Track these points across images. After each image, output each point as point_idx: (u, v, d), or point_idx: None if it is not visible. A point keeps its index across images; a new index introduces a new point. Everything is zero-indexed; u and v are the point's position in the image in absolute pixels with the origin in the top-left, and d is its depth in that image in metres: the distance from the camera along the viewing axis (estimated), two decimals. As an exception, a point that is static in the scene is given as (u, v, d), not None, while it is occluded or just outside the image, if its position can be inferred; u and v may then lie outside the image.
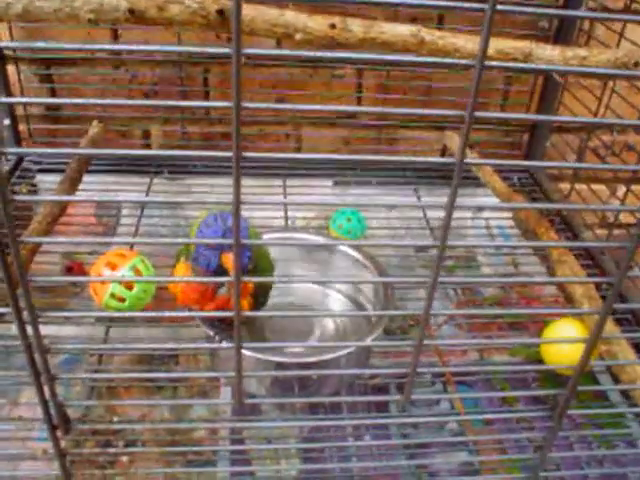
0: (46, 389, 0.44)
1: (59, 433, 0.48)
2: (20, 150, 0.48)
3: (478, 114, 0.33)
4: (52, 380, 0.43)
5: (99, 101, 0.32)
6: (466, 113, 0.33)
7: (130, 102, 0.32)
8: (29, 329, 0.40)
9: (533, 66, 0.35)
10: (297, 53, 0.33)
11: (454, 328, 0.98)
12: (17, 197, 0.35)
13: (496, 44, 0.76)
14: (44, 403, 0.45)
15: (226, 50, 0.30)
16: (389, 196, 1.20)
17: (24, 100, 0.41)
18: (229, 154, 0.33)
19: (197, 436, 0.77)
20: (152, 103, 0.32)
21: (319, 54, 0.31)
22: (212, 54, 0.30)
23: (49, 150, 0.33)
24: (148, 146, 1.27)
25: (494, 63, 0.31)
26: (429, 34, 0.77)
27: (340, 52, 0.30)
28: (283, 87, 1.23)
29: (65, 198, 0.68)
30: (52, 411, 0.46)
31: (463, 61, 0.32)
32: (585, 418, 0.84)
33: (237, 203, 0.34)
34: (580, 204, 1.10)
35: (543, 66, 0.34)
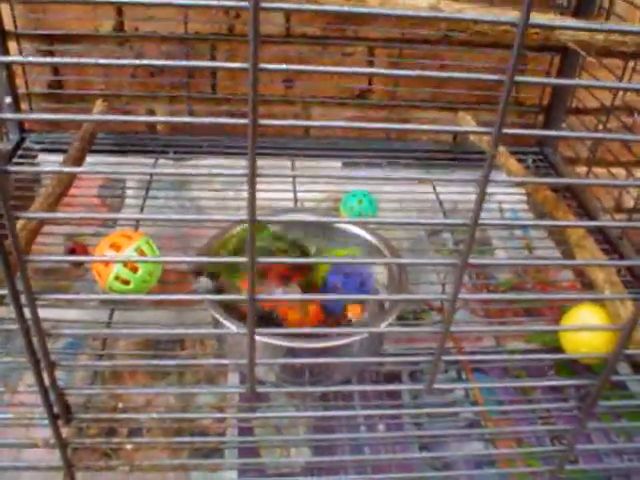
0: (46, 376, 0.42)
1: (60, 422, 0.46)
2: (19, 116, 0.45)
3: (519, 79, 0.30)
4: (52, 367, 0.40)
5: (103, 61, 0.29)
6: (506, 77, 0.30)
7: (138, 62, 0.29)
8: (27, 312, 0.38)
9: (583, 25, 0.31)
10: (321, 8, 0.29)
11: (468, 313, 0.95)
12: (12, 168, 0.33)
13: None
14: (44, 391, 0.42)
15: (244, 3, 0.27)
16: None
17: (20, 59, 0.39)
18: (245, 121, 0.30)
19: (204, 422, 0.75)
20: (162, 63, 0.29)
21: (353, 9, 0.28)
22: (230, 6, 0.27)
23: (51, 116, 0.30)
24: (153, 126, 1.24)
25: (539, 21, 0.28)
26: (447, 6, 0.74)
27: (369, 8, 0.27)
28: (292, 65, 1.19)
29: (65, 169, 0.66)
30: (52, 398, 0.44)
31: (503, 18, 0.29)
32: (604, 408, 0.81)
33: (252, 175, 0.31)
34: (599, 181, 1.06)
35: (596, 25, 0.31)
